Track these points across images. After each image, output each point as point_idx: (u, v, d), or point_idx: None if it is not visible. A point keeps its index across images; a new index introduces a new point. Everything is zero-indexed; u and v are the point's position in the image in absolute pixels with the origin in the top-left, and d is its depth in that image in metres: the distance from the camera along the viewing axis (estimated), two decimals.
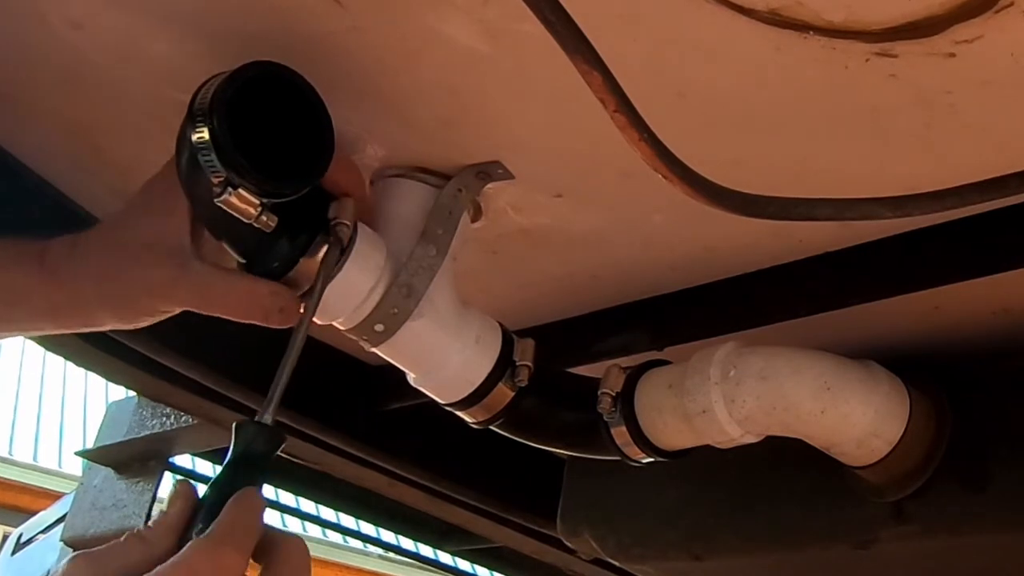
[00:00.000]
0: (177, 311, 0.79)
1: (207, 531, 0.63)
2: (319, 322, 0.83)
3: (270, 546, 0.64)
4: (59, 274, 0.77)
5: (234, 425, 0.69)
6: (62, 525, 2.08)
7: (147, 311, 0.79)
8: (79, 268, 0.77)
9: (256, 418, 0.69)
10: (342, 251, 0.78)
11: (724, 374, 0.92)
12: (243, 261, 0.80)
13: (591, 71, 0.60)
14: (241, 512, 0.64)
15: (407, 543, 2.63)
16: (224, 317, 0.79)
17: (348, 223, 0.78)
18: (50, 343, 1.30)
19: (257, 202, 0.73)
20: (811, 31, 0.64)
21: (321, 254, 0.77)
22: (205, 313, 0.78)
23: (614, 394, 0.93)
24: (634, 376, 0.95)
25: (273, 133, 0.74)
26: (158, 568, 0.60)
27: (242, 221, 0.74)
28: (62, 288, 0.78)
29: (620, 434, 0.93)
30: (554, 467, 1.41)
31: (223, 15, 0.76)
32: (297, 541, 0.65)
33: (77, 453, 2.19)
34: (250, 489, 0.66)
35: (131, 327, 0.80)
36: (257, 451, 0.68)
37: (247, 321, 0.79)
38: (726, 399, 0.91)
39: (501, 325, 0.91)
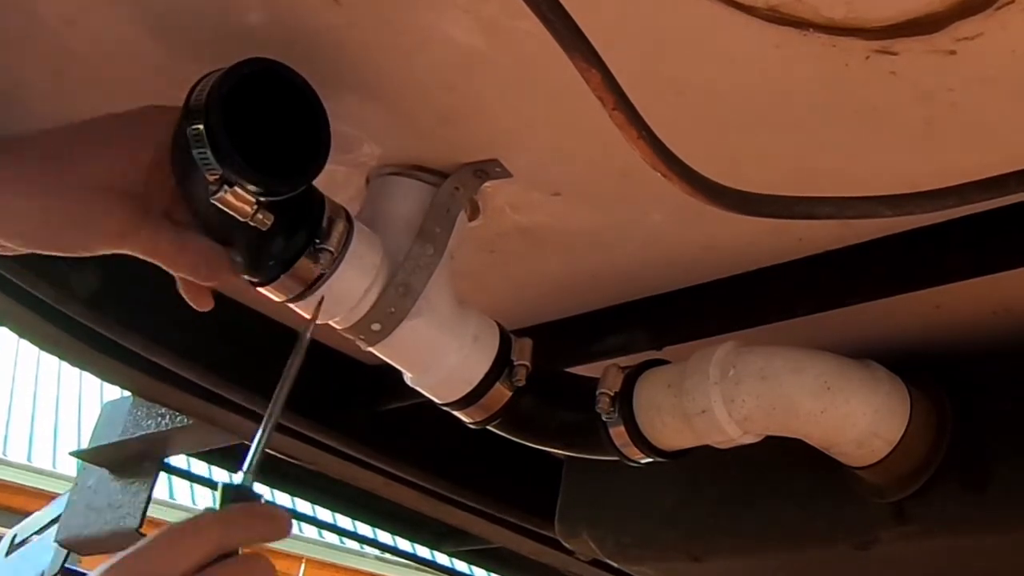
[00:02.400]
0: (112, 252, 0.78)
1: None
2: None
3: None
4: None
5: (220, 486, 0.70)
6: (56, 526, 2.07)
7: (85, 251, 0.78)
8: (12, 201, 0.74)
9: (236, 480, 0.70)
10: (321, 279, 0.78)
11: (723, 374, 0.91)
12: (238, 260, 0.79)
13: (590, 69, 0.59)
14: (252, 509, 0.69)
15: (404, 544, 2.62)
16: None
17: (332, 250, 0.78)
18: (45, 342, 1.29)
19: (253, 200, 0.72)
20: (811, 28, 0.64)
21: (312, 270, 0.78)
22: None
23: (612, 394, 0.93)
24: (633, 376, 0.95)
25: (269, 130, 0.74)
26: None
27: (237, 219, 0.73)
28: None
29: (619, 434, 0.93)
30: (552, 467, 1.41)
31: (218, 11, 0.75)
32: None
33: (72, 453, 2.18)
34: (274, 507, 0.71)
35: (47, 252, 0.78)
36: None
37: (180, 273, 0.79)
38: (725, 399, 0.91)
39: (499, 324, 0.91)
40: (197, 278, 0.79)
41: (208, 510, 0.68)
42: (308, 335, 0.77)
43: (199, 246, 0.77)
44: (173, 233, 0.77)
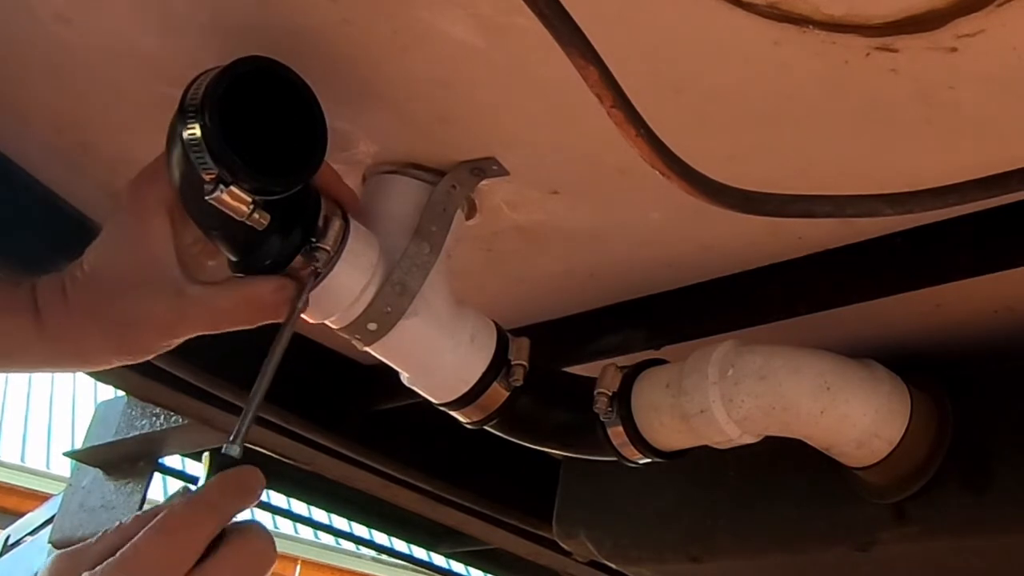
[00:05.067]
0: (186, 339, 0.78)
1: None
2: (311, 320, 0.82)
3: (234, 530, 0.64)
4: (60, 329, 0.76)
5: (205, 455, 0.68)
6: (50, 527, 2.06)
7: (156, 348, 0.78)
8: (78, 321, 0.76)
9: (223, 449, 0.68)
10: (318, 275, 0.77)
11: (722, 373, 0.91)
12: (234, 259, 0.78)
13: (587, 66, 0.59)
14: (226, 479, 0.65)
15: (400, 545, 2.62)
16: (237, 329, 0.78)
17: (328, 248, 0.77)
18: None
19: (249, 199, 0.72)
20: (810, 25, 0.64)
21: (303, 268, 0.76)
22: (216, 332, 0.77)
23: (610, 394, 0.92)
24: (631, 375, 0.94)
25: (265, 129, 0.73)
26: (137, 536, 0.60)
27: (234, 218, 0.72)
28: (64, 341, 0.77)
29: (617, 434, 0.93)
30: (550, 468, 1.41)
31: (213, 8, 0.75)
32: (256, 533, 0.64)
33: (66, 454, 2.18)
34: (245, 467, 0.66)
35: (139, 361, 0.80)
36: None
37: (259, 325, 0.77)
38: (724, 399, 0.91)
39: (496, 324, 0.90)
40: (281, 320, 0.77)
41: (178, 493, 0.64)
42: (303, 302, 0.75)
43: (262, 290, 0.76)
44: (221, 291, 0.76)
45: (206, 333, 0.78)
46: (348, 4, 0.71)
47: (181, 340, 0.78)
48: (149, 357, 0.79)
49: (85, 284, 0.76)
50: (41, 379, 9.05)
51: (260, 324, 0.77)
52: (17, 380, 8.95)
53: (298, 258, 0.76)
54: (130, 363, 0.79)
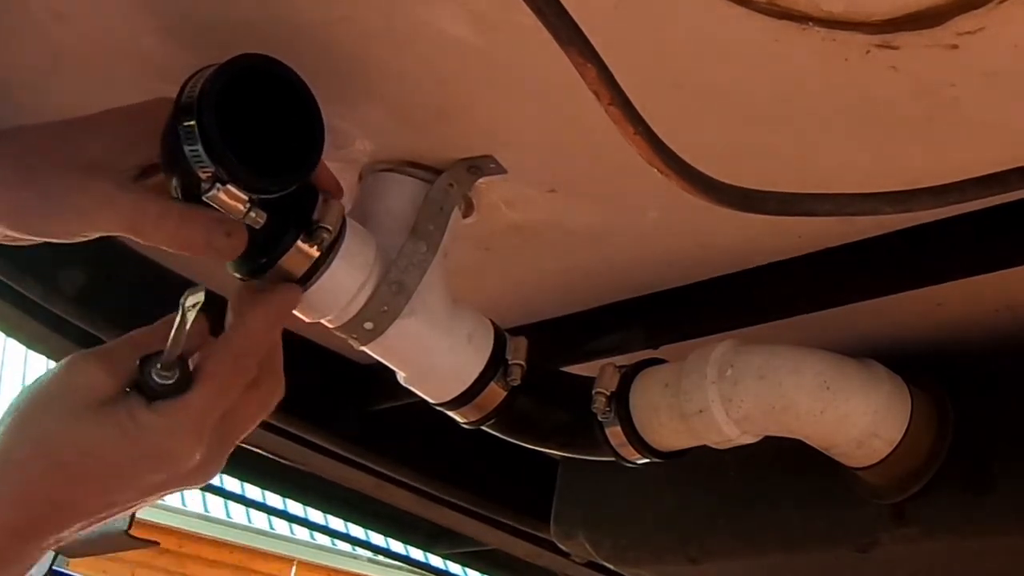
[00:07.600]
0: (98, 234, 0.73)
1: None
2: (307, 319, 0.82)
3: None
4: None
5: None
6: None
7: (67, 235, 0.73)
8: None
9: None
10: (320, 261, 0.77)
11: (721, 373, 0.91)
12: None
13: (585, 63, 0.59)
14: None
15: (397, 546, 2.61)
16: (164, 248, 0.73)
17: (331, 228, 0.76)
18: (32, 340, 1.28)
19: (245, 198, 0.72)
20: (810, 22, 0.63)
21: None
22: (143, 241, 0.73)
23: (609, 393, 0.92)
24: (629, 375, 0.94)
25: (261, 126, 0.73)
26: None
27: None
28: None
29: (615, 434, 0.92)
30: (548, 468, 1.40)
31: (211, 5, 0.74)
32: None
33: None
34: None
35: (29, 242, 0.74)
36: None
37: (191, 254, 0.74)
38: (723, 398, 0.90)
39: (493, 323, 0.90)
40: (210, 254, 0.73)
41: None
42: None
43: (208, 216, 0.71)
44: (166, 202, 0.71)
45: (132, 238, 0.73)
46: (346, 1, 0.70)
47: (90, 236, 0.73)
48: (35, 241, 0.74)
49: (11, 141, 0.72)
50: (35, 377, 9.03)
51: (194, 255, 0.74)
52: (12, 379, 8.94)
53: (292, 256, 0.76)
54: (9, 242, 0.74)
